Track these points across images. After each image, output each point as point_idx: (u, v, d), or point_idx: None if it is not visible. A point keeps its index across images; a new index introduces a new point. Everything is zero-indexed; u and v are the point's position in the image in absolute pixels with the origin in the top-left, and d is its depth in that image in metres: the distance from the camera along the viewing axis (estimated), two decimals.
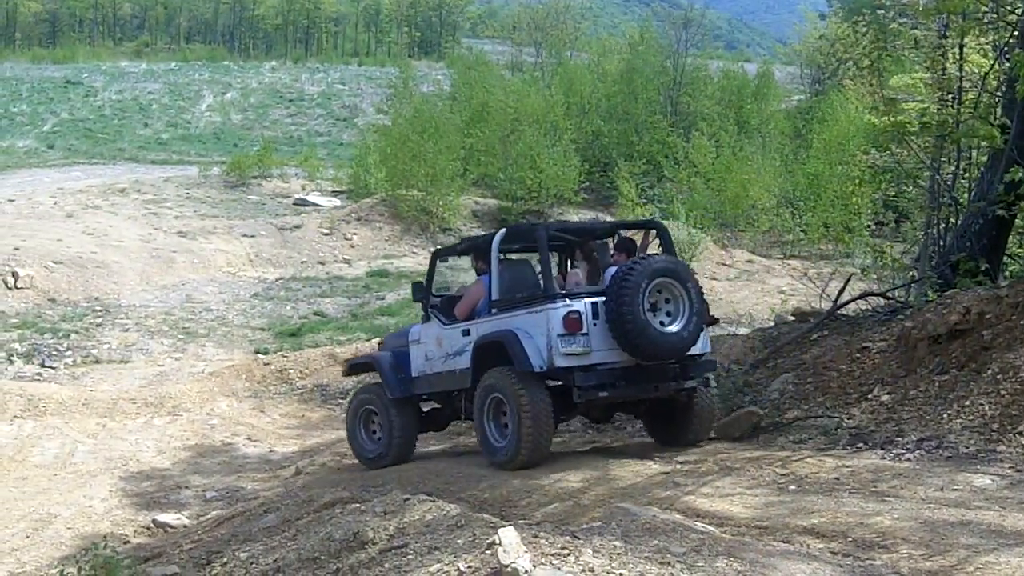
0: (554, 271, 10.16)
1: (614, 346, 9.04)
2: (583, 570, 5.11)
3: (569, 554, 5.32)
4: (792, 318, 14.09)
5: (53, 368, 18.66)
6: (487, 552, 5.39)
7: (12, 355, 19.46)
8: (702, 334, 9.50)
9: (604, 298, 9.05)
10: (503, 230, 9.99)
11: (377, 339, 14.51)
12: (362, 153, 38.55)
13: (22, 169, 41.85)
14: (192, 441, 13.30)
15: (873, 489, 7.71)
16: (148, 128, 56.71)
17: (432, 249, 15.69)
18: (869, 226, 25.18)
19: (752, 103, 41.20)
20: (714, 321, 10.70)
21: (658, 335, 8.98)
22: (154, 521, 10.51)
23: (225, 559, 7.63)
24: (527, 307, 9.33)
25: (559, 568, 5.08)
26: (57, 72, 73.38)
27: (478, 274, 10.45)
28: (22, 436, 13.31)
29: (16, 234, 26.79)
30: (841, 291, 13.04)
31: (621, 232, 10.68)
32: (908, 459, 8.62)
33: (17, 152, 47.21)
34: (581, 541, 5.63)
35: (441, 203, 32.75)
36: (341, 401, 14.87)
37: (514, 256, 10.85)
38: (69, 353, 19.48)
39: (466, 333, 9.87)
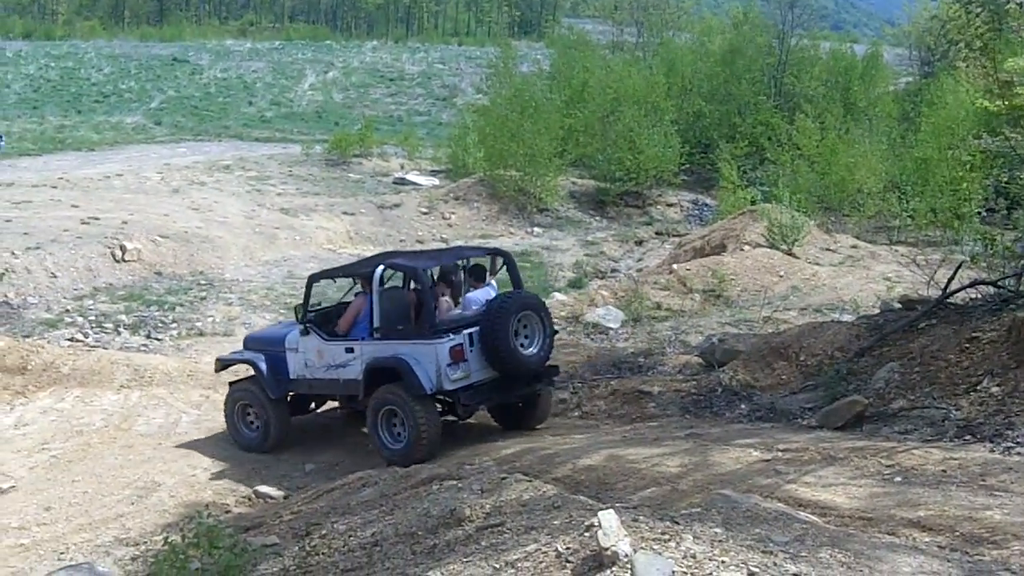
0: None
1: (486, 365, 10.94)
2: (684, 556, 5.02)
3: (669, 539, 5.24)
4: (899, 305, 13.74)
5: (159, 340, 19.11)
6: (586, 534, 5.33)
7: (119, 326, 19.98)
8: None
9: (479, 328, 10.82)
10: (382, 267, 11.27)
11: None
12: (461, 133, 38.76)
13: (130, 145, 42.94)
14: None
15: (982, 483, 7.50)
16: (252, 106, 57.71)
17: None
18: (979, 212, 24.55)
19: (859, 85, 40.29)
20: (555, 333, 11.99)
21: (521, 357, 10.96)
22: (255, 492, 10.69)
23: (324, 531, 7.71)
24: (414, 338, 10.94)
25: (660, 553, 4.99)
26: (164, 50, 75.17)
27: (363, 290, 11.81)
28: (128, 405, 13.61)
29: (124, 208, 27.50)
30: (951, 279, 12.63)
31: (472, 260, 12.25)
32: (1019, 453, 8.36)
33: (126, 128, 48.43)
34: (681, 527, 5.53)
35: (539, 183, 32.74)
36: None
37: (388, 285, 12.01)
38: (174, 325, 19.93)
39: (349, 350, 11.36)
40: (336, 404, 12.58)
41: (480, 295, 11.52)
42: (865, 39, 62.68)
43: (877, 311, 14.57)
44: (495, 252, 12.55)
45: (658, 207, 35.03)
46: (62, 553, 9.24)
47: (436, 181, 36.59)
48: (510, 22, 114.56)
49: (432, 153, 41.27)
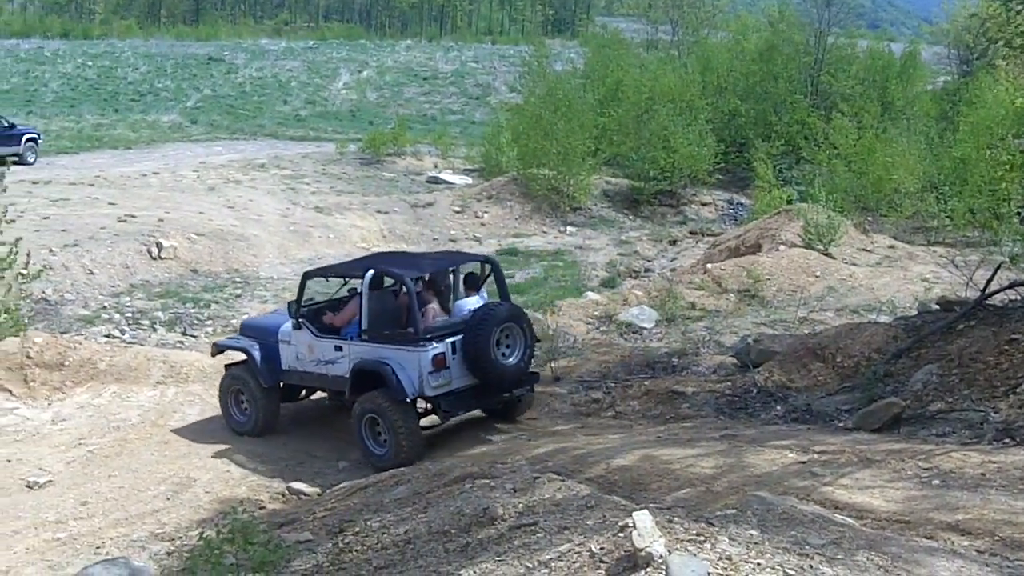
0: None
1: (468, 372, 11.35)
2: (720, 558, 4.98)
3: (705, 541, 5.20)
4: (937, 307, 13.60)
5: (194, 336, 19.26)
6: (620, 535, 5.30)
7: (155, 323, 20.16)
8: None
9: (462, 337, 11.24)
10: (371, 272, 11.56)
11: None
12: (494, 131, 38.73)
13: (167, 143, 43.28)
14: (326, 411, 13.52)
15: (1022, 487, 7.43)
16: (287, 105, 57.97)
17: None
18: (1019, 213, 24.21)
19: (897, 83, 39.93)
20: (536, 342, 12.43)
21: (501, 367, 11.37)
22: (289, 488, 10.74)
23: (357, 528, 7.72)
24: (399, 343, 11.28)
25: (695, 555, 4.96)
26: (200, 49, 75.72)
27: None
28: (164, 402, 13.70)
29: (160, 206, 27.73)
30: (990, 280, 12.49)
31: (464, 268, 12.64)
32: None
33: (162, 127, 48.80)
34: (717, 528, 5.49)
35: (572, 182, 32.69)
36: None
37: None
38: (210, 322, 20.07)
39: (338, 348, 11.72)
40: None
41: (470, 303, 11.93)
42: (903, 38, 62.20)
43: (915, 312, 14.42)
44: (484, 260, 12.91)
45: (692, 206, 34.89)
46: (98, 547, 9.33)
47: (469, 180, 36.61)
48: (544, 20, 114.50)
49: (465, 152, 41.32)
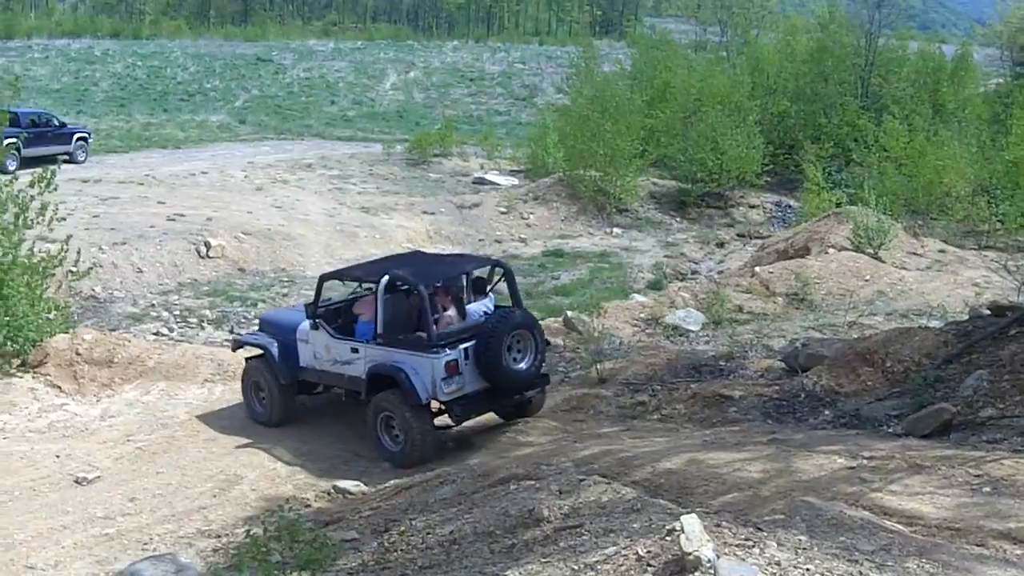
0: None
1: (480, 377, 11.54)
2: (768, 563, 4.94)
3: (753, 546, 5.16)
4: (988, 312, 13.41)
5: (241, 335, 19.36)
6: (667, 538, 5.26)
7: (203, 321, 20.34)
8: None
9: (474, 343, 11.43)
10: (386, 277, 11.68)
11: None
12: (541, 133, 38.66)
13: (215, 143, 43.66)
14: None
15: None
16: (334, 105, 58.29)
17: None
18: None
19: (948, 86, 39.42)
20: (548, 345, 12.76)
21: (512, 372, 11.62)
22: (334, 487, 10.76)
23: (402, 527, 7.73)
24: (414, 348, 11.39)
25: (744, 560, 4.92)
26: (248, 50, 76.38)
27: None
28: (212, 399, 13.81)
29: (209, 205, 27.98)
30: None
31: (474, 273, 12.82)
32: None
33: (211, 126, 49.25)
34: (765, 533, 5.45)
35: (619, 184, 32.53)
36: None
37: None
38: (256, 321, 20.17)
39: (355, 350, 11.95)
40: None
41: (479, 307, 12.22)
42: (954, 39, 61.45)
43: (966, 317, 14.23)
44: (495, 264, 13.10)
45: (740, 208, 34.62)
46: (146, 543, 9.41)
47: (515, 181, 36.59)
48: (591, 21, 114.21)
49: (511, 153, 41.29)
